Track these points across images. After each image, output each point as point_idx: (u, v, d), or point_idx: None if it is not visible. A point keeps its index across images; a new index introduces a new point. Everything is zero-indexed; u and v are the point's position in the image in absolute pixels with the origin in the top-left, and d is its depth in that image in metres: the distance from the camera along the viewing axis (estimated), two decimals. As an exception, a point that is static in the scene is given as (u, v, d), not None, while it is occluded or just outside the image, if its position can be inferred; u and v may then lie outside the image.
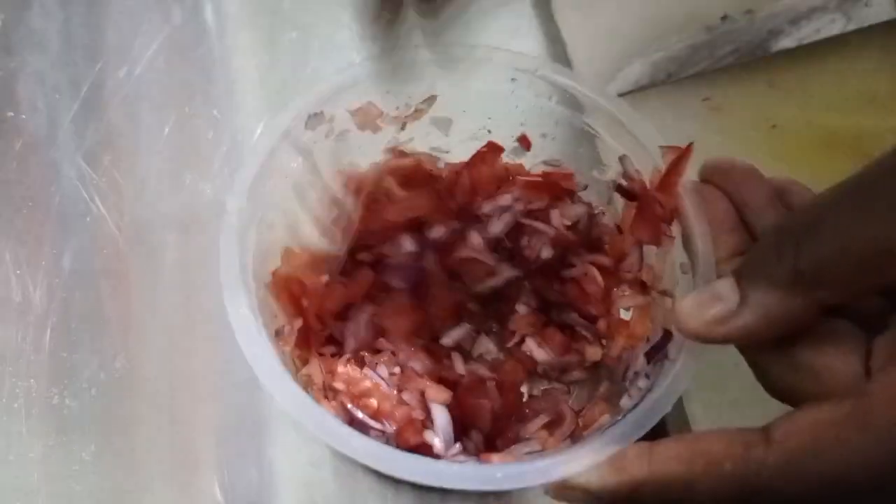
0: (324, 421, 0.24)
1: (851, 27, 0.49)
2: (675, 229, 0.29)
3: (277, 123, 0.29)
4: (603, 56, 0.47)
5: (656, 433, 0.25)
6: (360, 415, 0.28)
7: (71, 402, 0.37)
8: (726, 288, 0.24)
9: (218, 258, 0.27)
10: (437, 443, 0.28)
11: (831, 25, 0.49)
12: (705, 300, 0.24)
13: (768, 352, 0.25)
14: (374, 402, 0.28)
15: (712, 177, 0.29)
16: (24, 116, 0.45)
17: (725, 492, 0.23)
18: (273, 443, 0.36)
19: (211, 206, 0.43)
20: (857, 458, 0.22)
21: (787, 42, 0.48)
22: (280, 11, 0.51)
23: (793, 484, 0.22)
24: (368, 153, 0.33)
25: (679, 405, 0.35)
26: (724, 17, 0.48)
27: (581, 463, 0.24)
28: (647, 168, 0.30)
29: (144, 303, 0.40)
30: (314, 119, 0.29)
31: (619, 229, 0.32)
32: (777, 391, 0.25)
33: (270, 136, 0.29)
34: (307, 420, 0.24)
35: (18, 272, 0.40)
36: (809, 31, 0.49)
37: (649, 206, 0.29)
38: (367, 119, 0.31)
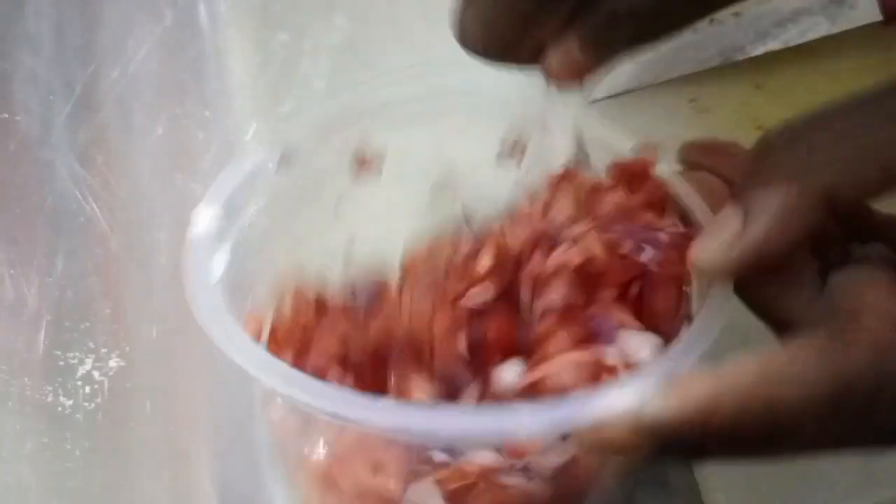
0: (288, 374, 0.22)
1: (836, 29, 0.49)
2: (670, 216, 0.28)
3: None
4: None
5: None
6: None
7: (65, 401, 0.37)
8: (728, 212, 0.23)
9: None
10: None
11: (816, 27, 0.50)
12: (711, 232, 0.23)
13: (792, 287, 0.23)
14: None
15: (692, 156, 0.29)
16: (17, 117, 0.45)
17: (818, 399, 0.20)
18: (265, 439, 0.37)
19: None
20: (818, 382, 0.20)
21: (773, 44, 0.49)
22: (272, 12, 0.52)
23: (756, 411, 0.19)
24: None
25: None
26: (712, 19, 0.49)
27: (626, 396, 0.19)
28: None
29: (137, 302, 0.41)
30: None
31: None
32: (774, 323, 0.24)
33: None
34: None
35: (12, 271, 0.41)
36: (795, 34, 0.50)
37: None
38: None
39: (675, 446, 0.20)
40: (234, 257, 0.27)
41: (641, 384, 0.19)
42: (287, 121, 0.31)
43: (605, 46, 0.27)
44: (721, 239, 0.22)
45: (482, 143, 0.31)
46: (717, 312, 0.23)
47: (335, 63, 0.50)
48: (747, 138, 0.46)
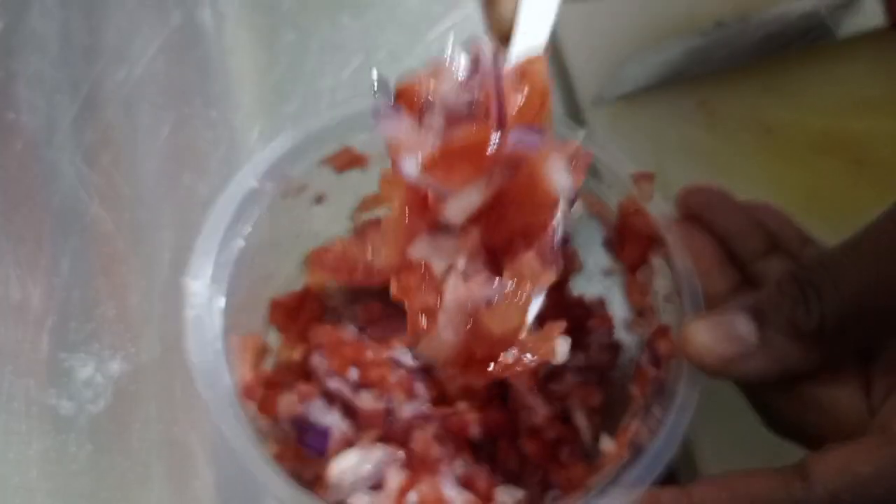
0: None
1: (843, 33, 0.49)
2: (657, 260, 0.29)
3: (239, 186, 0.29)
4: (600, 59, 0.47)
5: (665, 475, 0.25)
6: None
7: (68, 402, 0.37)
8: (744, 327, 0.25)
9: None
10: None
11: (824, 32, 0.49)
12: (722, 337, 0.25)
13: (774, 390, 0.26)
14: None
15: (689, 205, 0.30)
16: (24, 118, 0.45)
17: None
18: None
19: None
20: (891, 492, 0.23)
21: (780, 47, 0.49)
22: (279, 12, 0.52)
23: None
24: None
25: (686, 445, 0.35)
26: (718, 23, 0.49)
27: None
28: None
29: (141, 303, 0.40)
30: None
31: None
32: (782, 428, 0.27)
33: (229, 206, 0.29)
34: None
35: (18, 272, 0.41)
36: (802, 38, 0.49)
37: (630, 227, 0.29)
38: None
39: None
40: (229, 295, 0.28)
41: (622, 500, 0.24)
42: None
43: None
44: (731, 351, 0.25)
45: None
46: (682, 420, 0.25)
47: (341, 62, 0.50)
48: (755, 140, 0.47)
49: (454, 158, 0.23)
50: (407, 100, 0.24)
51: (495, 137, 0.23)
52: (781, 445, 0.28)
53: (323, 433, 0.27)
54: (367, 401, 0.28)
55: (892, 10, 0.49)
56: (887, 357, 0.25)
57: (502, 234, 0.24)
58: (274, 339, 0.32)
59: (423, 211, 0.24)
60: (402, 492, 0.25)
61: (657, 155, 0.46)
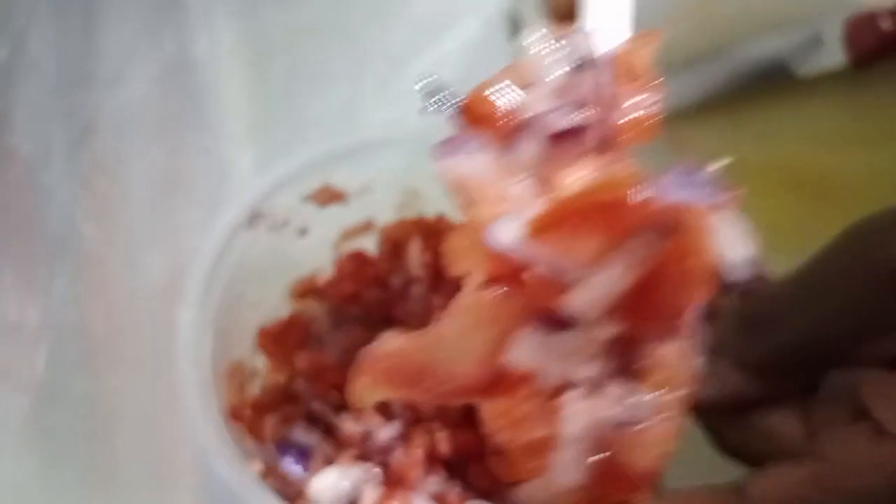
0: None
1: (805, 73, 0.51)
2: None
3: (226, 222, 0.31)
4: None
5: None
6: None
7: (61, 422, 0.39)
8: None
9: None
10: None
11: (787, 71, 0.51)
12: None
13: (722, 417, 0.28)
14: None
15: None
16: (22, 143, 0.47)
17: None
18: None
19: (198, 230, 0.45)
20: None
21: (747, 85, 0.51)
22: (270, 42, 0.54)
23: None
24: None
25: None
26: (688, 59, 0.51)
27: None
28: None
29: (134, 324, 0.42)
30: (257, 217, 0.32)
31: None
32: (730, 451, 0.29)
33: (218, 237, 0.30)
34: None
35: (15, 292, 0.42)
36: (772, 75, 0.51)
37: None
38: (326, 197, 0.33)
39: None
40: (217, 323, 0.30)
41: None
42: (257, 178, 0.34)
43: None
44: None
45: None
46: None
47: (330, 91, 0.52)
48: (725, 175, 0.49)
49: (576, 222, 0.16)
50: (482, 118, 0.17)
51: (640, 189, 0.16)
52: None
53: (305, 452, 0.29)
54: (347, 423, 0.30)
55: (851, 51, 0.52)
56: (827, 388, 0.27)
57: (638, 322, 0.17)
58: (261, 363, 0.34)
59: (522, 291, 0.16)
60: (376, 506, 0.27)
61: None
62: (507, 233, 0.15)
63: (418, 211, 0.36)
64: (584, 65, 0.17)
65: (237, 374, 0.31)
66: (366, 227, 0.37)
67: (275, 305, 0.35)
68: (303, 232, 0.35)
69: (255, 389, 0.32)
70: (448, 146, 0.16)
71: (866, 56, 0.52)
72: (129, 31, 0.52)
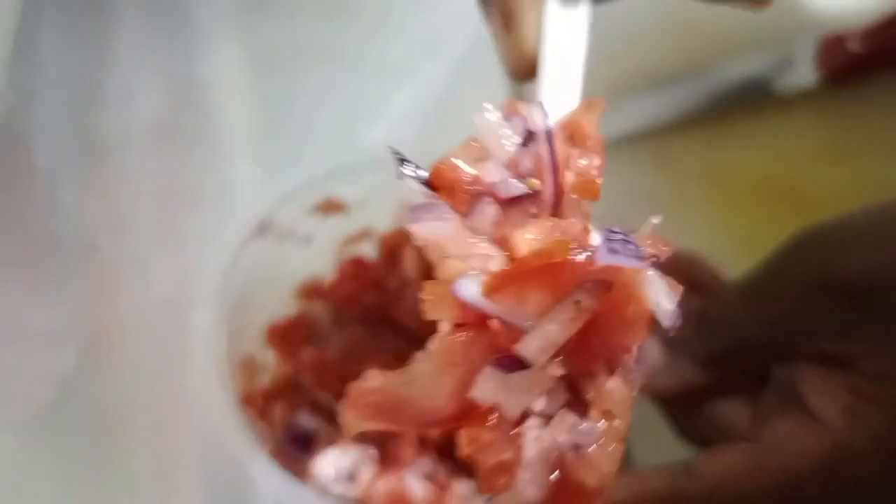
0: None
1: (781, 91, 0.53)
2: None
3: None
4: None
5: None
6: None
7: (79, 416, 0.41)
8: (655, 352, 0.31)
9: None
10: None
11: (770, 87, 0.54)
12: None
13: (680, 406, 0.31)
14: None
15: None
16: (39, 160, 0.49)
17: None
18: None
19: (205, 240, 0.47)
20: (757, 485, 0.28)
21: (728, 101, 0.53)
22: (271, 64, 0.56)
23: None
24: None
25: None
26: (670, 77, 0.53)
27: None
28: None
29: (140, 330, 0.44)
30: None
31: None
32: (688, 437, 0.32)
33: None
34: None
35: (34, 299, 0.44)
36: (749, 92, 0.53)
37: None
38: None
39: None
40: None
41: None
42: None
43: None
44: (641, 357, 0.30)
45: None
46: None
47: (327, 109, 0.54)
48: (705, 187, 0.51)
49: (527, 279, 0.18)
50: (446, 189, 0.19)
51: (580, 249, 0.18)
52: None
53: (309, 436, 0.32)
54: (346, 410, 0.33)
55: (822, 70, 0.55)
56: (773, 380, 0.30)
57: (584, 361, 0.19)
58: (270, 357, 0.37)
59: (485, 336, 0.18)
60: (372, 482, 0.30)
61: (616, 204, 0.49)
62: (470, 288, 0.18)
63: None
64: (532, 138, 0.20)
65: (248, 367, 0.34)
66: (365, 234, 0.40)
67: (282, 306, 0.38)
68: (307, 240, 0.37)
69: (264, 380, 0.35)
70: (416, 212, 0.19)
71: (837, 75, 0.54)
72: (140, 52, 0.54)
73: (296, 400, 0.33)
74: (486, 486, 0.19)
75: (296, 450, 0.31)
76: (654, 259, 0.19)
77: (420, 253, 0.37)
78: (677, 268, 0.34)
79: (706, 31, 0.53)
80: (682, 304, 0.25)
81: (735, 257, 0.33)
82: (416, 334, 0.24)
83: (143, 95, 0.52)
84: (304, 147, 0.52)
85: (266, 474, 0.28)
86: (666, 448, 0.32)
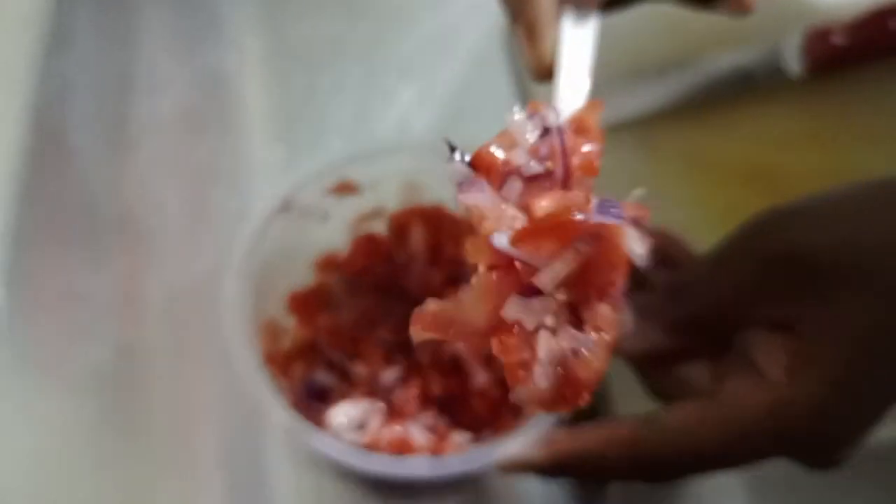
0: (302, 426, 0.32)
1: (766, 81, 0.56)
2: None
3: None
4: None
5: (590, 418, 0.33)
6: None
7: (127, 368, 0.45)
8: (626, 317, 0.32)
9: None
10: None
11: (751, 79, 0.56)
12: None
13: (650, 366, 0.35)
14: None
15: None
16: (81, 144, 0.53)
17: (625, 460, 0.32)
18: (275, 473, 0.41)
19: (235, 216, 0.51)
20: (709, 435, 0.31)
21: (714, 92, 0.55)
22: (293, 56, 0.59)
23: (668, 451, 0.32)
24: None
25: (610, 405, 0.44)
26: (659, 69, 0.56)
27: (520, 443, 0.31)
28: None
29: (175, 298, 0.48)
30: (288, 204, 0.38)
31: None
32: (658, 396, 0.35)
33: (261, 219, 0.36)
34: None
35: (83, 268, 0.48)
36: (732, 84, 0.56)
37: None
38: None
39: (547, 472, 0.32)
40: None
41: (527, 440, 0.31)
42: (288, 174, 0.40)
43: None
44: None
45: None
46: None
47: (345, 100, 0.58)
48: (690, 171, 0.54)
49: (542, 233, 0.25)
50: (484, 169, 0.26)
51: (580, 212, 0.25)
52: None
53: (325, 391, 0.36)
54: (358, 369, 0.37)
55: (807, 62, 0.57)
56: (734, 346, 0.33)
57: (581, 291, 0.26)
58: (290, 322, 0.40)
59: (511, 274, 0.25)
60: (379, 430, 0.35)
61: (608, 186, 0.51)
62: (501, 240, 0.25)
63: (419, 200, 0.42)
64: (547, 132, 0.27)
65: (271, 329, 0.38)
66: (376, 213, 0.43)
67: (302, 276, 0.41)
68: (325, 217, 0.41)
69: (286, 343, 0.40)
70: (465, 186, 0.26)
71: (821, 67, 0.57)
72: (169, 45, 0.58)
73: (313, 360, 0.38)
74: (511, 377, 0.25)
75: (313, 402, 0.36)
76: (634, 219, 0.26)
77: (425, 230, 0.41)
78: (653, 241, 0.38)
79: (694, 27, 0.55)
80: (655, 272, 0.32)
81: (710, 233, 0.35)
82: (422, 302, 0.28)
83: (172, 85, 0.56)
84: (322, 135, 0.56)
85: (289, 422, 0.32)
86: (644, 406, 0.36)
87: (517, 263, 0.25)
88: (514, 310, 0.25)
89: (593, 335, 0.26)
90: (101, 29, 0.58)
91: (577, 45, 0.30)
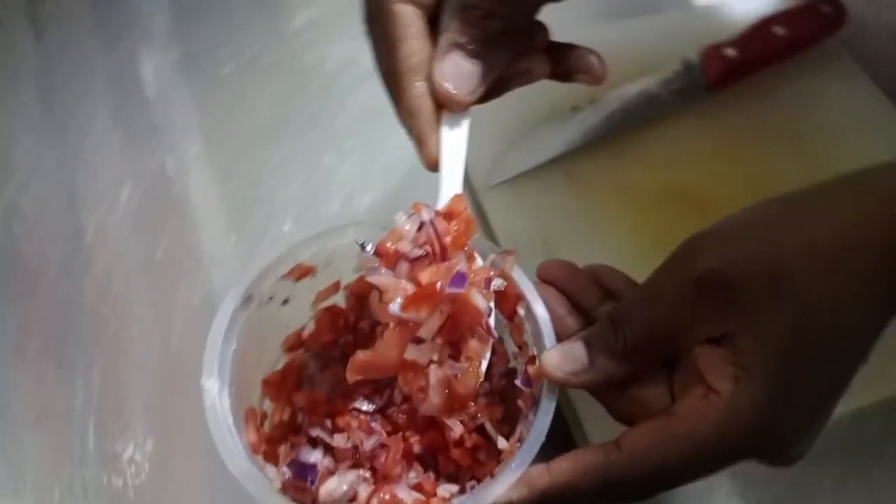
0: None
1: (673, 102, 0.60)
2: (521, 311, 0.40)
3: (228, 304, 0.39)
4: (485, 153, 0.57)
5: (566, 447, 0.36)
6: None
7: (116, 481, 0.46)
8: (579, 351, 0.36)
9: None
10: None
11: (658, 103, 0.60)
12: (565, 359, 0.36)
13: (610, 392, 0.37)
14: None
15: (546, 275, 0.40)
16: (49, 259, 0.54)
17: (596, 486, 0.34)
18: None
19: (199, 310, 0.53)
20: (669, 452, 0.34)
21: (626, 120, 0.59)
22: (231, 145, 0.61)
23: (634, 472, 0.34)
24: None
25: (580, 427, 0.47)
26: (573, 108, 0.59)
27: (502, 486, 0.34)
28: None
29: (158, 394, 0.50)
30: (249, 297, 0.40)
31: None
32: (618, 417, 0.37)
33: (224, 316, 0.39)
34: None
35: (60, 384, 0.49)
36: (642, 110, 0.59)
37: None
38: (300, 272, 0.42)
39: None
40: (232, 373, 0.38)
41: (508, 480, 0.35)
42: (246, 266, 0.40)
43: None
44: (570, 368, 0.36)
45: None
46: (545, 421, 0.36)
47: (289, 182, 0.60)
48: (611, 198, 0.56)
49: (418, 301, 0.35)
50: (384, 256, 0.37)
51: (441, 284, 0.35)
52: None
53: (312, 468, 0.39)
54: (340, 441, 0.39)
55: (706, 78, 0.61)
56: (683, 365, 0.36)
57: (455, 333, 0.36)
58: (268, 406, 0.42)
59: (407, 328, 0.36)
60: (369, 499, 0.37)
61: (540, 221, 0.54)
62: (395, 307, 0.36)
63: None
64: (423, 224, 0.37)
65: (252, 418, 0.40)
66: (334, 287, 0.45)
67: (273, 360, 0.43)
68: (286, 301, 0.43)
69: (266, 428, 0.41)
70: (371, 271, 0.37)
71: (720, 81, 0.60)
72: (110, 158, 0.60)
73: (295, 440, 0.40)
74: (415, 399, 0.37)
75: (302, 482, 0.38)
76: (486, 280, 0.37)
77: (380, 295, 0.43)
78: (593, 279, 0.40)
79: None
80: (603, 311, 0.38)
81: (644, 258, 0.38)
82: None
83: (117, 193, 0.58)
84: (272, 216, 0.58)
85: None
86: (613, 426, 0.38)
87: (409, 321, 0.36)
88: (411, 353, 0.36)
89: (465, 363, 0.37)
90: (41, 151, 0.59)
91: (453, 142, 0.38)
